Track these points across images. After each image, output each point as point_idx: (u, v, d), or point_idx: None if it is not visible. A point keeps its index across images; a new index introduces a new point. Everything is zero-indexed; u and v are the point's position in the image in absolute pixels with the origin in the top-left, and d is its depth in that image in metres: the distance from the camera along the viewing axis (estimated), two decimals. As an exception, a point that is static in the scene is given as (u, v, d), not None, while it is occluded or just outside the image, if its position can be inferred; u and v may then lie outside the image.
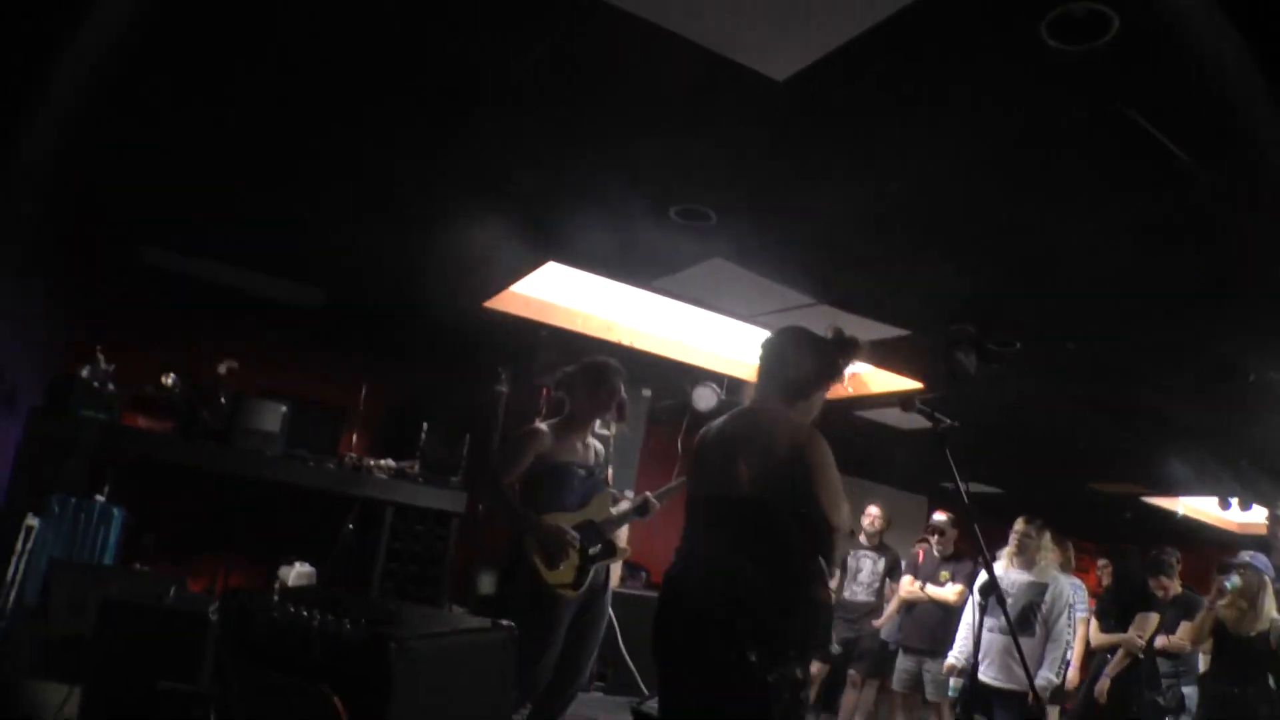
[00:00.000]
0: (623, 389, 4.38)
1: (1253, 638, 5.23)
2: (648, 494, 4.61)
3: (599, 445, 4.55)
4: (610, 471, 7.23)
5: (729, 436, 3.09)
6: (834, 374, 3.14)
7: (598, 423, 4.61)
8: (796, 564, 2.85)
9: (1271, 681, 5.20)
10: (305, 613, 2.32)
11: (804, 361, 3.10)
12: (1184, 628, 5.85)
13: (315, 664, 2.22)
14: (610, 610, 7.01)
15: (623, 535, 5.54)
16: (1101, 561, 6.41)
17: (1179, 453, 7.03)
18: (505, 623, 2.50)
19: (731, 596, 2.75)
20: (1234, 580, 5.32)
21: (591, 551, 4.12)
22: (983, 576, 5.56)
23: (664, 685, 3.10)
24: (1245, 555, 5.45)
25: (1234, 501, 8.36)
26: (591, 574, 4.15)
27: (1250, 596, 5.30)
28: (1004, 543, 5.81)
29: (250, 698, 2.35)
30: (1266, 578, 5.36)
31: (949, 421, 3.29)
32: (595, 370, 4.39)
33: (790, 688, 2.74)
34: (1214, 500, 8.63)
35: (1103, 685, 5.95)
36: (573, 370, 4.46)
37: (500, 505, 4.12)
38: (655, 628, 2.99)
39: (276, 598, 2.49)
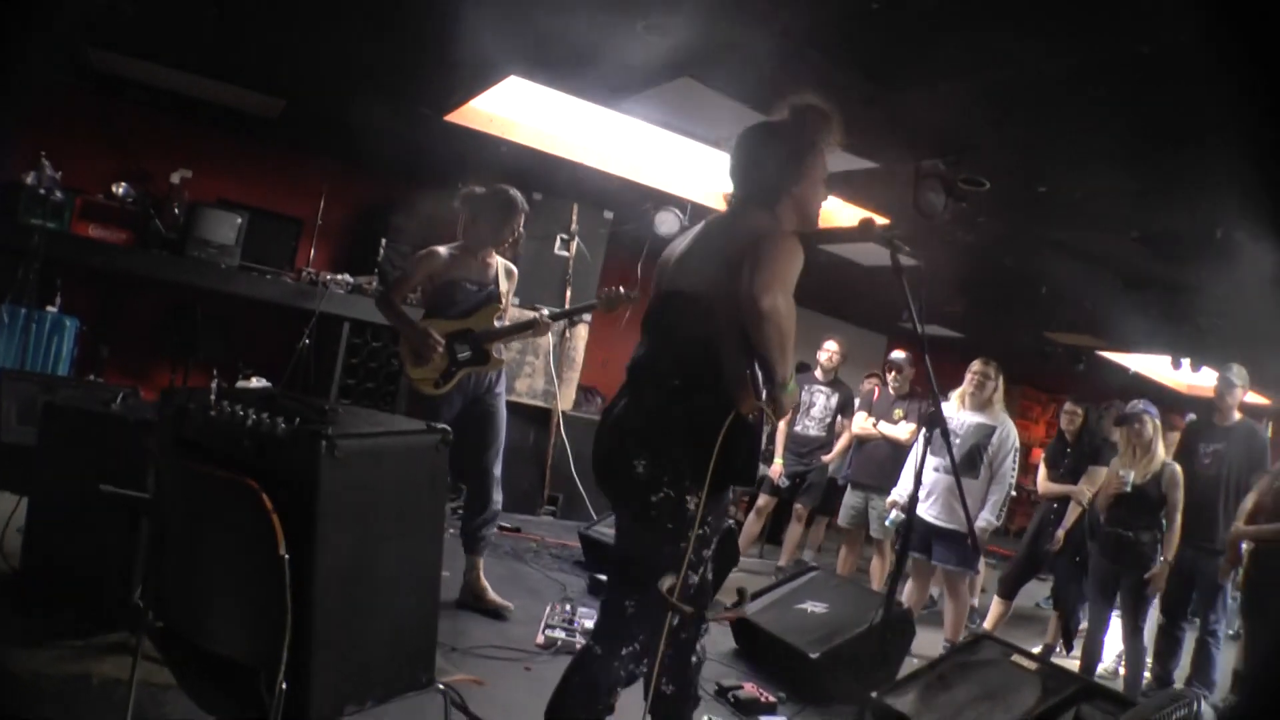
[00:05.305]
0: (522, 225, 4.66)
1: (1146, 483, 5.30)
2: (541, 311, 4.90)
3: (508, 265, 4.75)
4: (569, 293, 7.25)
5: (690, 239, 2.74)
6: (811, 154, 2.65)
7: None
8: (725, 373, 2.41)
9: (1161, 525, 5.30)
10: (240, 410, 2.31)
11: (773, 154, 2.63)
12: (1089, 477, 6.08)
13: (247, 460, 2.22)
14: (564, 436, 7.18)
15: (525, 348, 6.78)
16: (1068, 406, 6.42)
17: (1139, 307, 7.05)
18: (440, 425, 2.49)
19: (644, 418, 2.54)
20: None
21: (460, 356, 4.48)
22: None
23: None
24: (1138, 403, 5.48)
25: (1185, 362, 8.48)
26: (459, 375, 4.49)
27: (1145, 443, 5.36)
28: (958, 384, 5.83)
29: (181, 491, 2.35)
30: (1158, 423, 5.41)
31: (906, 249, 3.23)
32: (502, 201, 4.58)
33: (678, 509, 2.46)
34: (1166, 359, 8.76)
35: (1058, 537, 6.07)
36: (482, 194, 4.64)
37: (387, 313, 4.60)
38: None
39: (214, 396, 2.45)
